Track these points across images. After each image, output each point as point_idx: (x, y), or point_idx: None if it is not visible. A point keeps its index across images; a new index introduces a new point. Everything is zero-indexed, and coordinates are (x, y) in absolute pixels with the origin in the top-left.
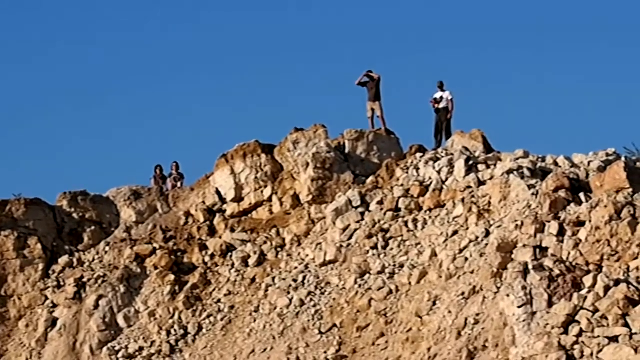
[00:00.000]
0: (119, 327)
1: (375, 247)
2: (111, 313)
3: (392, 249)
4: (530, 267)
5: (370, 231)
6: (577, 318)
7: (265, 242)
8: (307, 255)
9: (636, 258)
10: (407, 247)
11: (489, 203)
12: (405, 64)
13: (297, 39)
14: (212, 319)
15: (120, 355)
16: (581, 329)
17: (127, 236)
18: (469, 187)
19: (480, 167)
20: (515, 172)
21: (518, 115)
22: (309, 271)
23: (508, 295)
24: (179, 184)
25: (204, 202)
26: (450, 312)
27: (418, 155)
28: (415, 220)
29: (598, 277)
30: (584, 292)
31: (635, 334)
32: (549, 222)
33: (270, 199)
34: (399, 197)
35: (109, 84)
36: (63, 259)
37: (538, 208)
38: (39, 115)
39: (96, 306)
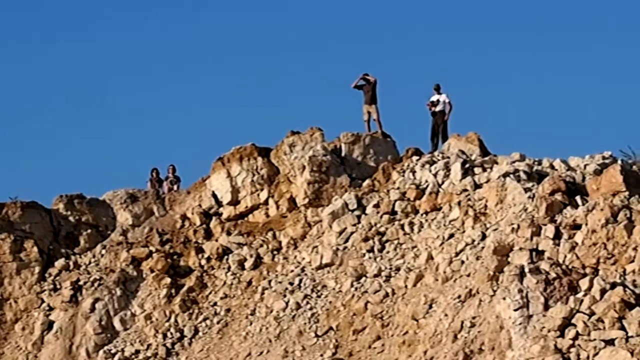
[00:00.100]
0: (115, 330)
1: (371, 250)
2: (107, 316)
3: (388, 252)
4: (526, 270)
5: (366, 234)
6: (573, 321)
7: (261, 245)
8: (304, 259)
9: (632, 261)
10: (404, 250)
11: (485, 206)
12: (401, 67)
13: (294, 41)
14: (208, 322)
15: (116, 358)
16: (577, 332)
17: (123, 239)
18: (465, 190)
19: (477, 170)
20: (511, 175)
21: (514, 119)
22: (305, 274)
23: (504, 299)
24: (175, 187)
25: (200, 205)
26: (446, 315)
27: (414, 158)
28: (411, 224)
29: (594, 281)
30: (580, 295)
31: (632, 337)
32: (545, 225)
33: (266, 202)
34: (396, 200)
35: (105, 86)
36: (59, 262)
37: (534, 211)
38: (35, 118)
39: (92, 309)
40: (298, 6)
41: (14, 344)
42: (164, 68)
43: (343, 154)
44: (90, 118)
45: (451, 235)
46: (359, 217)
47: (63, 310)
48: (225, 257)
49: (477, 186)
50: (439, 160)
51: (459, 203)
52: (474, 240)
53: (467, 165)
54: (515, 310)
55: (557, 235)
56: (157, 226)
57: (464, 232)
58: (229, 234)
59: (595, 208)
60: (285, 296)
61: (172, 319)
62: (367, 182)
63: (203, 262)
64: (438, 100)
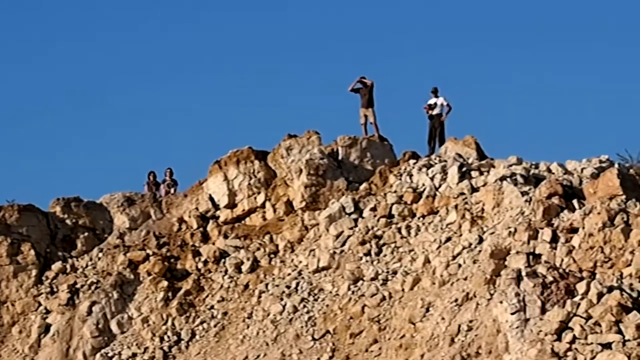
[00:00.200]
0: (112, 333)
1: (368, 253)
2: (104, 319)
3: (385, 255)
4: (523, 273)
5: (363, 237)
6: (570, 325)
7: (258, 249)
8: (301, 262)
9: (629, 265)
10: (401, 253)
11: (482, 210)
12: (397, 70)
13: (291, 44)
14: (205, 325)
15: None
16: (574, 335)
17: (120, 242)
18: (462, 193)
19: (474, 173)
20: (508, 179)
21: (511, 122)
22: (302, 277)
23: (501, 302)
24: (172, 190)
25: (197, 209)
26: (443, 318)
27: (411, 161)
28: (408, 227)
29: (591, 284)
30: (577, 298)
31: (629, 340)
32: (542, 228)
33: (263, 206)
34: (392, 204)
35: (102, 88)
36: (56, 265)
37: (531, 215)
38: (32, 122)
39: (89, 312)
40: (295, 8)
41: (11, 347)
42: (161, 70)
43: (340, 157)
44: (87, 121)
45: (448, 239)
46: (356, 220)
47: (60, 314)
48: (222, 260)
49: (474, 190)
50: (436, 163)
51: (456, 206)
52: (471, 244)
53: (464, 169)
54: (512, 313)
55: (554, 239)
56: (154, 229)
57: (461, 235)
58: (226, 237)
59: (592, 212)
60: (282, 299)
61: (169, 322)
62: (364, 185)
63: (200, 265)
64: (435, 104)
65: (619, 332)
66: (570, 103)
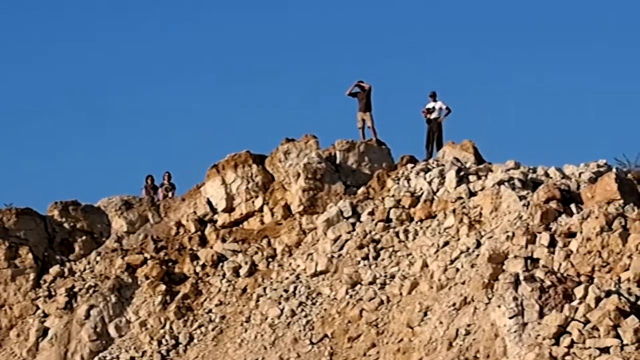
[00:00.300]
0: (110, 337)
1: (366, 257)
2: (102, 323)
3: (383, 259)
4: (521, 278)
5: (361, 242)
6: (568, 329)
7: (256, 253)
8: (298, 266)
9: (627, 269)
10: (398, 257)
11: (480, 214)
12: (395, 74)
13: (289, 47)
14: (203, 329)
15: None
16: (572, 340)
17: (118, 246)
18: (460, 198)
19: (472, 178)
20: (506, 183)
21: (509, 126)
22: (300, 281)
23: (499, 306)
24: (170, 194)
25: (195, 212)
26: (441, 322)
27: (409, 166)
28: (406, 231)
29: (589, 288)
30: (575, 303)
31: (627, 345)
32: (540, 233)
33: (261, 210)
34: (390, 208)
35: (101, 92)
36: (54, 269)
37: (529, 219)
38: (30, 126)
39: (87, 316)
40: (295, 9)
41: (9, 351)
42: (159, 73)
43: (338, 162)
44: (85, 124)
45: (446, 243)
46: (353, 224)
47: (58, 317)
48: (220, 264)
49: (471, 194)
50: (433, 168)
51: (453, 211)
52: (468, 248)
53: (461, 173)
54: (510, 318)
55: (552, 243)
56: (152, 233)
57: (458, 239)
58: (223, 241)
59: (590, 216)
60: (280, 303)
61: (167, 326)
62: (361, 189)
63: (198, 269)
64: (434, 108)
65: (617, 336)
66: (568, 107)
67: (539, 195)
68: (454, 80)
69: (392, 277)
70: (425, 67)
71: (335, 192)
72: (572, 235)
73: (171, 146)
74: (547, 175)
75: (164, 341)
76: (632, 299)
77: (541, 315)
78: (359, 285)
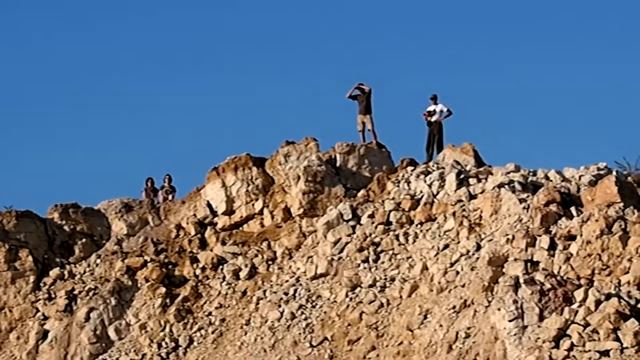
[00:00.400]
0: (109, 339)
1: (366, 260)
2: (102, 325)
3: (383, 262)
4: (521, 281)
5: (361, 244)
6: (568, 332)
7: (256, 255)
8: (298, 269)
9: (627, 272)
10: (398, 260)
11: (480, 217)
12: (395, 77)
13: (290, 50)
14: (203, 331)
15: None
16: (572, 343)
17: (118, 249)
18: (460, 200)
19: (472, 180)
20: (506, 186)
21: (509, 129)
22: (300, 284)
23: (499, 309)
24: (170, 197)
25: (195, 215)
26: (441, 325)
27: (409, 168)
28: (406, 234)
29: (589, 291)
30: (575, 306)
31: (627, 348)
32: (540, 236)
33: (261, 212)
34: (390, 211)
35: (101, 94)
36: (54, 271)
37: (529, 222)
38: (30, 127)
39: (87, 318)
40: (295, 11)
41: (9, 354)
42: (159, 75)
43: (338, 164)
44: (85, 127)
45: (446, 246)
46: (353, 227)
47: (58, 320)
48: (220, 266)
49: (472, 197)
50: (433, 170)
51: (453, 214)
52: (468, 251)
53: (462, 176)
54: (510, 321)
55: (552, 246)
56: (152, 236)
57: (458, 242)
58: (223, 243)
59: (590, 219)
60: (280, 306)
61: (167, 329)
62: (362, 192)
63: (198, 271)
64: (434, 110)
65: (617, 339)
66: (568, 110)
67: (539, 198)
68: (454, 82)
69: (392, 280)
70: (426, 69)
71: (336, 195)
72: (572, 238)
73: (171, 149)
74: (547, 178)
75: (163, 344)
76: (632, 302)
77: (541, 318)
78: (359, 288)
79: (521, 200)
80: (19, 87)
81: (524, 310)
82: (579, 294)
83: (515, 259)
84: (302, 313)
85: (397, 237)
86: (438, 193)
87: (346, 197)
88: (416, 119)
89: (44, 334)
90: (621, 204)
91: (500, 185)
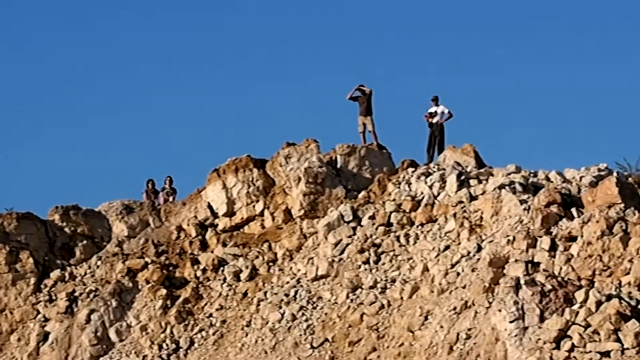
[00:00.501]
0: (110, 341)
1: (367, 261)
2: (103, 327)
3: (384, 263)
4: (522, 282)
5: (362, 246)
6: (569, 333)
7: (257, 257)
8: (299, 270)
9: (628, 273)
10: (399, 261)
11: (481, 218)
12: (395, 78)
13: (290, 51)
14: (203, 333)
15: None
16: (573, 344)
17: (119, 250)
18: (461, 202)
19: (472, 182)
20: (507, 187)
21: (510, 130)
22: (301, 286)
23: (500, 310)
24: (171, 198)
25: (195, 217)
26: (442, 326)
27: (410, 170)
28: (407, 235)
29: (590, 292)
30: (575, 307)
31: (627, 349)
32: (540, 237)
33: (262, 214)
34: (391, 212)
35: (102, 96)
36: (55, 273)
37: (530, 223)
38: (31, 129)
39: (88, 320)
40: (296, 12)
41: (10, 355)
42: (161, 76)
43: (339, 166)
44: (85, 128)
45: (447, 247)
46: (354, 228)
47: (59, 322)
48: (221, 268)
49: (472, 198)
50: (434, 172)
51: (454, 215)
52: (469, 252)
53: (462, 177)
54: (511, 322)
55: (553, 247)
56: (153, 237)
57: (459, 243)
58: (224, 245)
59: (591, 220)
60: (280, 307)
61: (168, 330)
62: (362, 193)
63: (199, 273)
64: (436, 112)
65: (618, 340)
66: (568, 111)
67: (540, 199)
68: (455, 83)
69: (393, 281)
70: (427, 70)
71: (336, 196)
72: (572, 239)
73: (172, 150)
74: (547, 179)
75: (164, 345)
76: (633, 302)
77: (542, 319)
78: (359, 290)
79: (522, 202)
80: (19, 88)
81: (524, 311)
82: (579, 295)
83: (516, 260)
84: (303, 314)
85: (397, 238)
86: (439, 194)
87: (347, 198)
88: (416, 120)
89: (44, 336)
90: (622, 205)
91: (501, 187)
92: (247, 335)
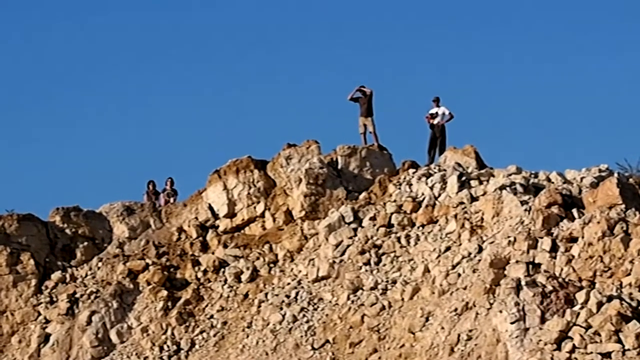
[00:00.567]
0: (111, 342)
1: (368, 263)
2: (104, 329)
3: (384, 264)
4: (523, 283)
5: (363, 247)
6: (570, 334)
7: (258, 258)
8: (300, 271)
9: (629, 274)
10: (400, 263)
11: (482, 219)
12: (396, 78)
13: (291, 53)
14: (204, 334)
15: None
16: (574, 345)
17: (119, 252)
18: (462, 203)
19: (473, 183)
20: (507, 188)
21: (511, 131)
22: (302, 287)
23: (501, 312)
24: (171, 200)
25: (196, 218)
26: (443, 328)
27: (411, 171)
28: (408, 236)
29: (591, 293)
30: (576, 308)
31: (628, 350)
32: (541, 238)
33: (263, 215)
34: (392, 213)
35: (102, 98)
36: (56, 275)
37: (531, 224)
38: (31, 130)
39: (89, 322)
40: (296, 12)
41: (11, 357)
42: (161, 77)
43: (339, 167)
44: (86, 129)
45: (448, 248)
46: (355, 229)
47: (59, 323)
48: (222, 269)
49: (473, 199)
50: (435, 173)
51: (455, 216)
52: (470, 253)
53: (463, 178)
54: (512, 323)
55: (554, 248)
56: (154, 239)
57: (460, 244)
58: (225, 246)
59: (592, 221)
60: (281, 309)
61: (169, 332)
62: (363, 194)
63: (199, 274)
64: (437, 113)
65: (619, 341)
66: (569, 112)
67: (541, 200)
68: (453, 88)
69: (394, 282)
70: (428, 71)
71: (337, 198)
72: (573, 240)
73: (173, 152)
74: (548, 180)
75: (165, 347)
76: (634, 304)
77: (543, 320)
78: (360, 291)
79: (523, 202)
80: (20, 89)
81: (525, 313)
82: (580, 296)
83: (517, 261)
84: (304, 316)
85: (398, 239)
86: (440, 195)
87: (348, 199)
88: (417, 121)
89: (45, 338)
90: (623, 206)
91: (502, 187)
92: (248, 336)
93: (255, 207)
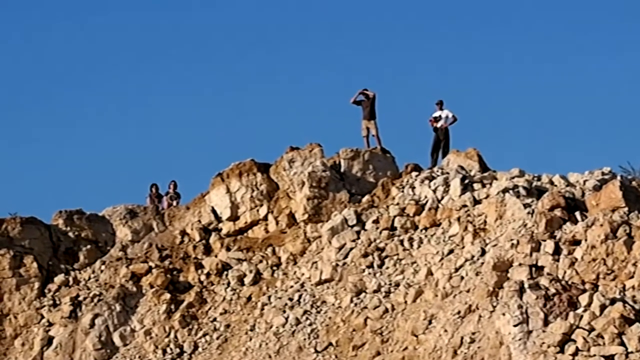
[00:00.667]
0: (114, 345)
1: (371, 265)
2: (107, 332)
3: (387, 267)
4: (526, 285)
5: (366, 250)
6: (573, 337)
7: (261, 261)
8: (303, 274)
9: (632, 277)
10: (403, 265)
11: (485, 222)
12: (399, 82)
13: (293, 56)
14: (208, 337)
15: None
16: (577, 347)
17: (122, 255)
18: (465, 206)
19: (476, 186)
20: (510, 191)
21: (514, 134)
22: (305, 290)
23: (504, 314)
24: (174, 203)
25: (199, 221)
26: (446, 330)
27: (414, 174)
28: (411, 239)
29: (594, 296)
30: (579, 311)
31: (632, 352)
32: (544, 241)
33: (266, 218)
34: (395, 216)
35: (104, 100)
36: (59, 278)
37: (534, 227)
38: (34, 133)
39: (92, 325)
40: (297, 13)
41: None
42: (164, 80)
43: (342, 170)
44: (89, 132)
45: (451, 251)
46: (358, 232)
47: (63, 326)
48: (225, 272)
49: (476, 202)
50: (438, 176)
51: (458, 219)
52: (473, 256)
53: (466, 181)
54: (515, 325)
55: (557, 251)
56: (157, 242)
57: (463, 247)
58: (228, 249)
59: (595, 224)
60: (284, 312)
61: (172, 335)
62: (366, 197)
63: (202, 277)
64: (440, 116)
65: (622, 344)
66: (572, 115)
67: (544, 203)
68: (456, 92)
69: (397, 285)
70: (431, 74)
71: (340, 201)
72: (576, 243)
73: (176, 155)
74: (551, 183)
75: (168, 350)
76: (637, 306)
77: (546, 323)
78: (363, 294)
79: (526, 205)
80: (20, 89)
81: (528, 315)
82: (583, 299)
83: (520, 264)
84: (307, 319)
85: (401, 242)
86: (442, 198)
87: (350, 202)
88: (420, 124)
89: (48, 341)
90: (626, 209)
91: (505, 190)
92: (251, 339)
93: (258, 210)
